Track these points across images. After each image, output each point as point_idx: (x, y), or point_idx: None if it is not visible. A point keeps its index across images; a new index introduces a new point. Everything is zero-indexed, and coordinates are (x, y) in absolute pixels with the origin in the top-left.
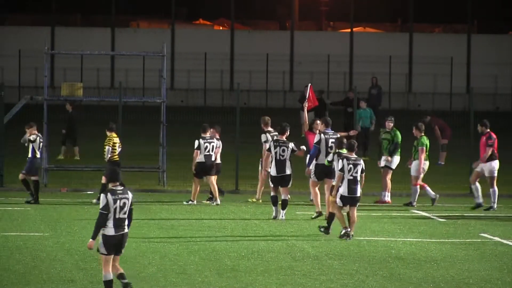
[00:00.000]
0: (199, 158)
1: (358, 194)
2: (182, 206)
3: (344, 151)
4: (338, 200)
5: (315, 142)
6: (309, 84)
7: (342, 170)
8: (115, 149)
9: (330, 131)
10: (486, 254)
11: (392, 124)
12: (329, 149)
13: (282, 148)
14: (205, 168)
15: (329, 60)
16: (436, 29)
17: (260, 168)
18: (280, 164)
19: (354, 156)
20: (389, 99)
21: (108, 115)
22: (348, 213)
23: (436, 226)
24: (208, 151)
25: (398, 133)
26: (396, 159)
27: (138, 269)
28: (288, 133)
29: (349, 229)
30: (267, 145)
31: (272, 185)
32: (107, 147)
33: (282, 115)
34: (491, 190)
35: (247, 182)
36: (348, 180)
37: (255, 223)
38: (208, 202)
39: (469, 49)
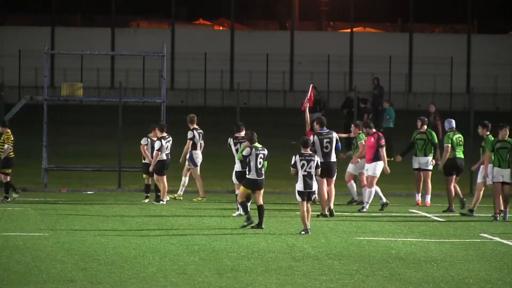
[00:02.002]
0: (160, 156)
1: (314, 188)
2: (182, 206)
3: (258, 145)
4: (297, 196)
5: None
6: (311, 85)
7: (295, 166)
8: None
9: (324, 131)
10: (486, 254)
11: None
12: (324, 149)
13: (242, 144)
14: (167, 166)
15: (329, 60)
16: (436, 29)
17: (187, 165)
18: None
19: (308, 152)
20: (389, 99)
21: (108, 115)
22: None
23: (436, 226)
24: (167, 149)
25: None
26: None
27: (138, 269)
28: (244, 131)
29: (309, 228)
30: (191, 142)
31: (237, 182)
32: (6, 145)
33: (282, 115)
34: (367, 189)
35: None
36: (303, 175)
37: (255, 223)
38: (148, 201)
39: (469, 49)
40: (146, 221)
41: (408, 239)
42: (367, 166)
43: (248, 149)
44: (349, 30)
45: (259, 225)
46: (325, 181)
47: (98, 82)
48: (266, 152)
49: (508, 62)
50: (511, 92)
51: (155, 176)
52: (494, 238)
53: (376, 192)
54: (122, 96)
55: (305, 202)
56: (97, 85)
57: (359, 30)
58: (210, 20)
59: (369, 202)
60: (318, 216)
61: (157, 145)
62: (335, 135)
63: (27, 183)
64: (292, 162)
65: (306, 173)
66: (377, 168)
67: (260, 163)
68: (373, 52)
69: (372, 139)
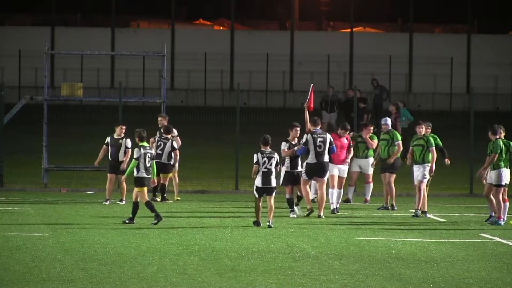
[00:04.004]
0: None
1: (273, 184)
2: (182, 206)
3: (146, 144)
4: (254, 191)
5: (303, 143)
6: (311, 85)
7: (257, 163)
8: None
9: (318, 131)
10: (486, 254)
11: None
12: (317, 148)
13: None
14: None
15: (329, 60)
16: (436, 29)
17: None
18: (159, 156)
19: (268, 149)
20: (389, 99)
21: (108, 115)
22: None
23: (436, 226)
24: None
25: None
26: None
27: (138, 269)
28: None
29: (260, 222)
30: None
31: (286, 185)
32: None
33: (282, 115)
34: (335, 190)
35: (247, 182)
36: (263, 172)
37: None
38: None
39: (469, 49)
40: (146, 221)
41: (408, 239)
42: (339, 167)
43: (137, 149)
44: (349, 30)
45: (157, 218)
46: (325, 181)
47: (98, 82)
48: (152, 151)
49: (508, 62)
50: (511, 92)
51: (109, 175)
52: (494, 238)
53: (331, 194)
54: (122, 96)
55: (261, 198)
56: (97, 85)
57: (359, 30)
58: (210, 20)
59: (339, 202)
60: (307, 215)
61: (129, 143)
62: (329, 137)
63: (27, 183)
64: (255, 160)
65: (266, 170)
66: (346, 170)
67: (148, 161)
68: (373, 52)
69: (345, 140)
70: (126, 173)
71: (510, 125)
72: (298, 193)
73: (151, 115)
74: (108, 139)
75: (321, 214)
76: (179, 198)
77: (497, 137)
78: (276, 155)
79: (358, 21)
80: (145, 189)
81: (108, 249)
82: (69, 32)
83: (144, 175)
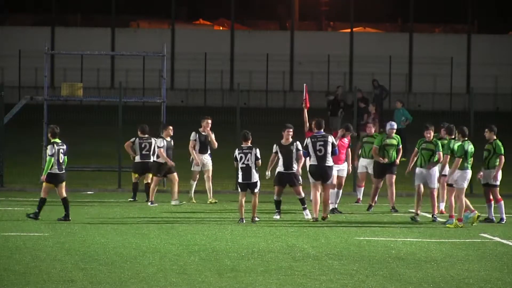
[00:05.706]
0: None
1: (253, 180)
2: (182, 206)
3: (58, 140)
4: (238, 187)
5: (303, 147)
6: (305, 85)
7: (236, 160)
8: None
9: (319, 134)
10: (486, 254)
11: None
12: (317, 152)
13: (145, 143)
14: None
15: (329, 60)
16: (436, 29)
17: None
18: (143, 156)
19: (247, 145)
20: (389, 99)
21: (108, 115)
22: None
23: (436, 226)
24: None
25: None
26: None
27: (138, 269)
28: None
29: (243, 218)
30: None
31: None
32: None
33: (282, 115)
34: (336, 190)
35: None
36: (241, 168)
37: (255, 223)
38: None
39: (469, 49)
40: (146, 221)
41: (408, 239)
42: (340, 167)
43: (50, 146)
44: (349, 30)
45: (66, 217)
46: (319, 186)
47: (98, 82)
48: (65, 147)
49: (508, 62)
50: (511, 92)
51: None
52: (494, 238)
53: (330, 194)
54: (122, 96)
55: (244, 193)
56: (97, 85)
57: (359, 30)
58: (210, 20)
59: (338, 202)
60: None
61: (160, 143)
62: (331, 139)
63: (27, 183)
64: (234, 156)
65: (244, 165)
66: (345, 169)
67: (61, 158)
68: (373, 52)
69: (346, 140)
70: (44, 172)
71: (510, 125)
72: (299, 196)
73: (151, 115)
74: (159, 143)
75: (327, 215)
76: (212, 201)
77: (453, 137)
78: (255, 150)
79: (358, 21)
80: (63, 184)
81: (108, 249)
82: (69, 32)
83: (57, 171)
